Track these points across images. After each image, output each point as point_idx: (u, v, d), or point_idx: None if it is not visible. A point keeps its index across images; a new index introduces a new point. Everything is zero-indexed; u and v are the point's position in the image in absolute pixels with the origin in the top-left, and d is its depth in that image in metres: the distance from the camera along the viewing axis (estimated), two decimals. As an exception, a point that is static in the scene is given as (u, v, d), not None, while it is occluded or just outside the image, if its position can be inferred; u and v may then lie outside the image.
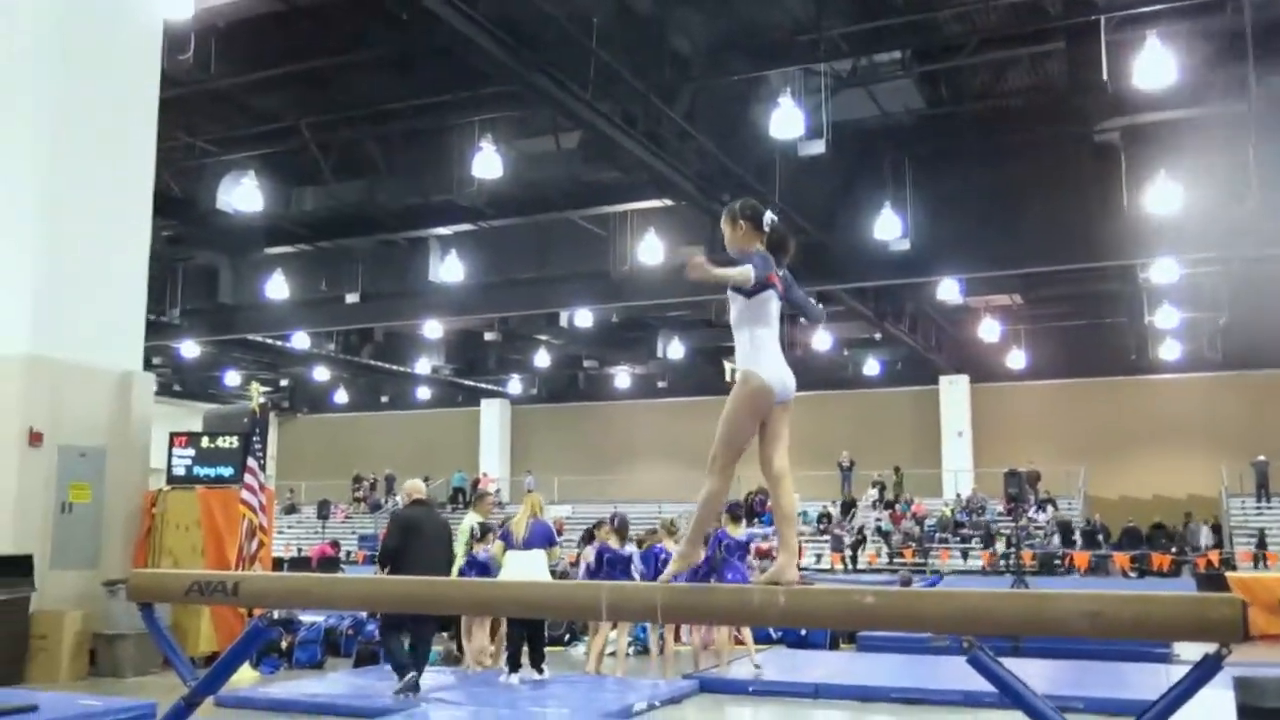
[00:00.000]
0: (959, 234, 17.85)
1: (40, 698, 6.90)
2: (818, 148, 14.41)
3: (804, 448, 33.10)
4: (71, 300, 9.91)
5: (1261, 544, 23.47)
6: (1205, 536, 24.68)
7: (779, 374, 4.50)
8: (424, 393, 35.56)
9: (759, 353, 4.43)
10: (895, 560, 25.38)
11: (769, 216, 4.63)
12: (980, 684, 4.02)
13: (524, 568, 8.98)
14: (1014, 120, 16.45)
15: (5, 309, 9.76)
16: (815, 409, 32.81)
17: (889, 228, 17.02)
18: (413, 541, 8.70)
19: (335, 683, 8.91)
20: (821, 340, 26.98)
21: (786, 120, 13.48)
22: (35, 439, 9.53)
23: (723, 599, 4.48)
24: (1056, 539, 25.05)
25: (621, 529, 10.22)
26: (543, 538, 9.28)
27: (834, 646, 11.55)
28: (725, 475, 4.51)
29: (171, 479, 10.69)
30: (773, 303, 4.55)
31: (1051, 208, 17.52)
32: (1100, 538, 25.25)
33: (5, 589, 8.87)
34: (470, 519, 10.15)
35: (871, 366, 30.63)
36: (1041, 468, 27.03)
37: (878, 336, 27.09)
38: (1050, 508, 26.52)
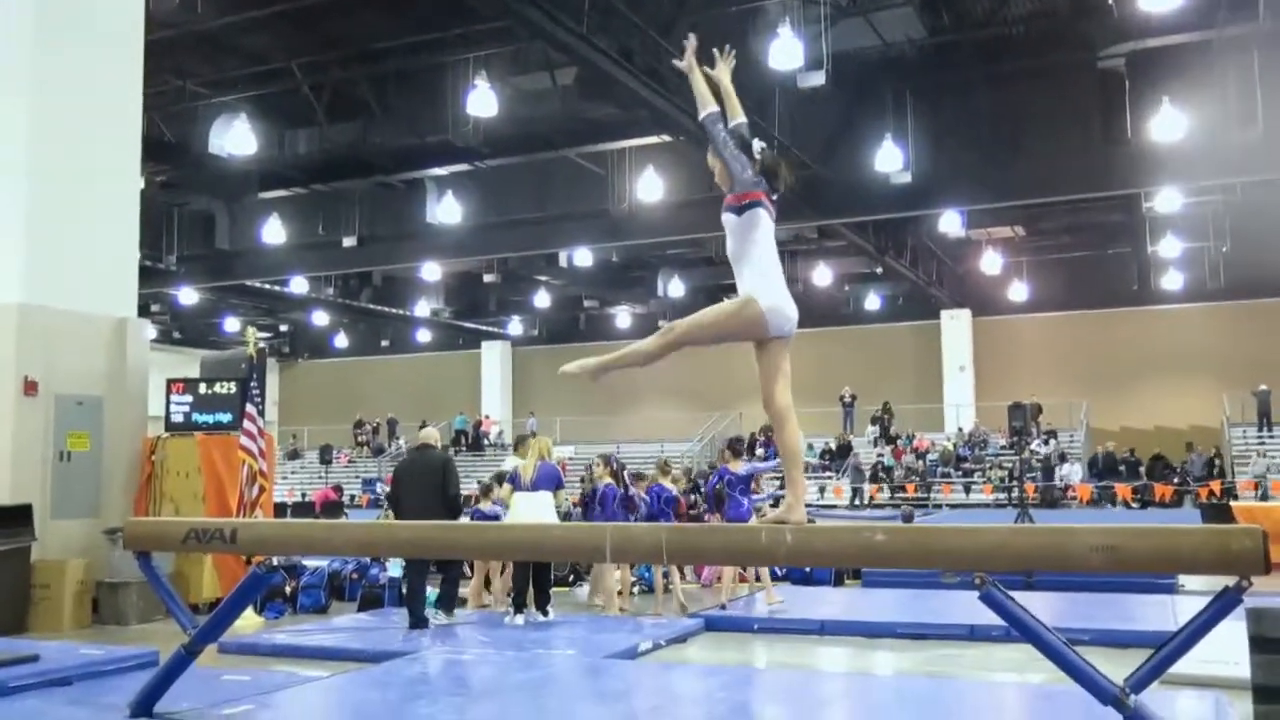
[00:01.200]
0: (960, 165, 17.64)
1: (42, 647, 6.87)
2: (817, 79, 14.16)
3: (805, 384, 33.00)
4: (62, 247, 9.77)
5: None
6: (1199, 467, 24.68)
7: (779, 305, 4.38)
8: (424, 336, 35.43)
9: (763, 279, 4.28)
10: (897, 495, 25.43)
11: (758, 144, 4.46)
12: (986, 618, 3.97)
13: (531, 509, 8.99)
14: (1017, 48, 16.16)
15: (-3, 258, 9.63)
16: (816, 345, 32.72)
17: (890, 160, 16.81)
18: (406, 486, 8.90)
19: (339, 627, 8.90)
20: (822, 275, 26.80)
21: (785, 51, 13.22)
22: (30, 388, 9.44)
23: (729, 539, 4.40)
24: (1075, 470, 25.06)
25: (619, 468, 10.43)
26: (550, 480, 9.32)
27: (839, 583, 11.56)
28: (665, 347, 4.45)
29: (170, 426, 10.62)
30: (764, 221, 4.42)
31: (1054, 137, 17.28)
32: (1122, 469, 25.27)
33: (5, 539, 8.83)
34: (512, 461, 10.37)
35: (872, 301, 30.48)
36: (1043, 400, 26.97)
37: (879, 271, 26.89)
38: (1053, 440, 26.52)
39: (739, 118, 4.56)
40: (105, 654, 6.81)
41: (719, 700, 6.00)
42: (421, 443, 9.38)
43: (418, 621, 8.64)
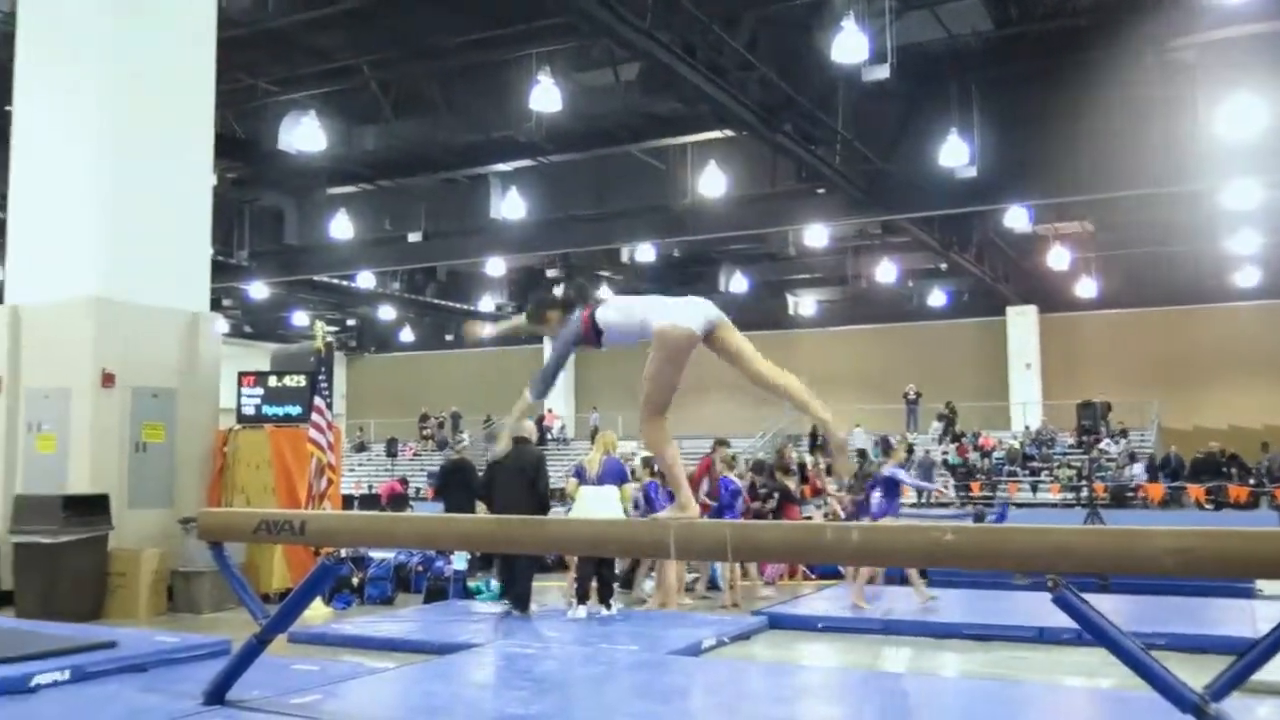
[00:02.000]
0: (1027, 160, 17.34)
1: (119, 634, 7.04)
2: (882, 73, 14.00)
3: (868, 381, 33.06)
4: (138, 243, 10.00)
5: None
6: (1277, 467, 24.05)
7: (676, 315, 4.73)
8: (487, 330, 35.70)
9: (656, 311, 4.72)
10: (961, 493, 25.13)
11: (553, 294, 5.02)
12: (1056, 620, 3.90)
13: (596, 504, 9.04)
14: (1085, 40, 15.83)
15: (75, 253, 9.89)
16: (879, 342, 32.49)
17: (955, 154, 16.58)
18: (500, 479, 9.17)
19: (406, 619, 9.01)
20: (886, 272, 26.54)
21: (849, 45, 13.08)
22: (108, 381, 9.68)
23: (793, 535, 4.38)
24: (1137, 469, 24.56)
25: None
26: (616, 474, 9.37)
27: (904, 581, 11.43)
28: (656, 424, 4.81)
29: (241, 418, 10.82)
30: (605, 316, 4.95)
31: (1123, 131, 16.91)
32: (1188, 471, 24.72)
33: (84, 528, 9.07)
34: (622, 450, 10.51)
35: (937, 298, 30.11)
36: (1112, 399, 26.47)
37: (943, 267, 26.59)
38: (1122, 439, 26.03)
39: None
40: (179, 641, 6.96)
41: (782, 699, 5.98)
42: (519, 435, 9.40)
43: (519, 603, 8.97)
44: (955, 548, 3.67)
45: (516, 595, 9.21)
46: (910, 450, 26.69)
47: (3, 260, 10.96)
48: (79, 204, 9.92)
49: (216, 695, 5.38)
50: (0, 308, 10.30)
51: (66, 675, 5.90)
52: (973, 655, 7.61)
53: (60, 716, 5.28)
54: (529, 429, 9.89)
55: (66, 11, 10.19)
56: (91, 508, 9.23)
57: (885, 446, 10.60)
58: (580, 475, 9.43)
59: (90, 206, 9.86)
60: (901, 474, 10.08)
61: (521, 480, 9.11)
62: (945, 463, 26.52)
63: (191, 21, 10.65)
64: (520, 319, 5.06)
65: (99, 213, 9.83)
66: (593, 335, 4.77)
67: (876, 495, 9.72)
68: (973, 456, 26.84)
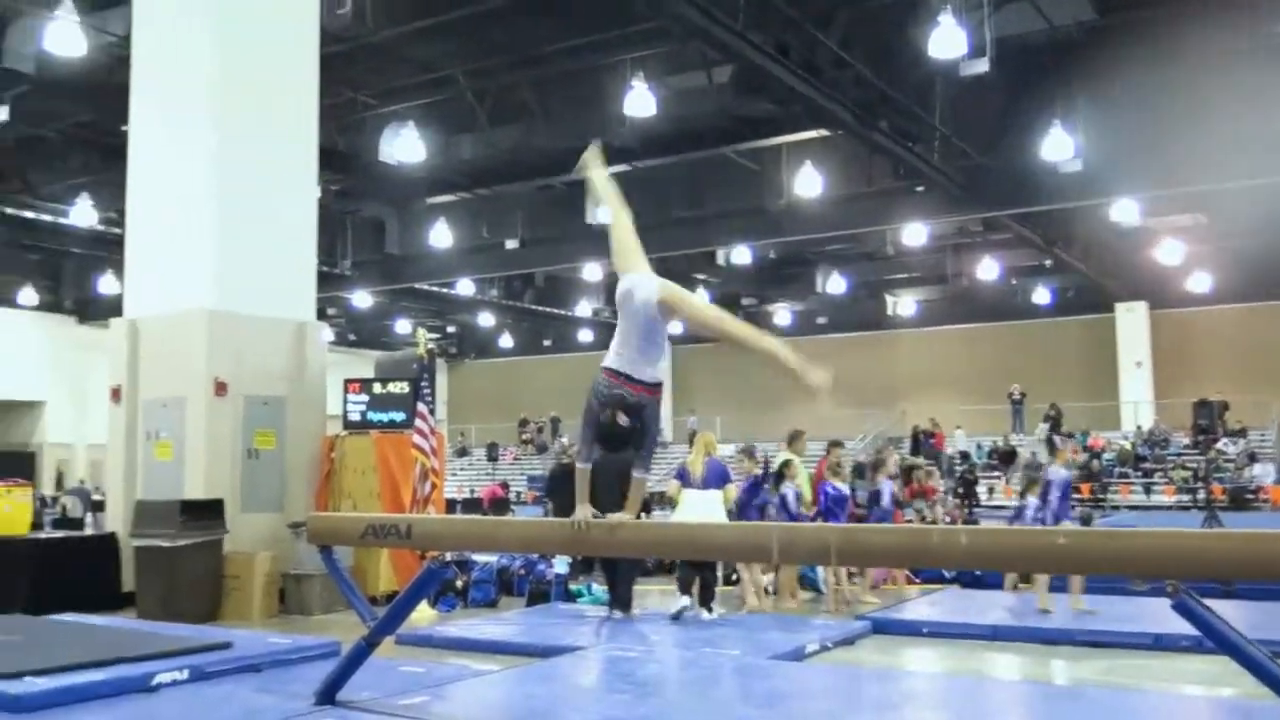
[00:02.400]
0: (1135, 151, 16.84)
1: (234, 635, 7.24)
2: (981, 67, 13.71)
3: (971, 381, 32.48)
4: (247, 256, 10.30)
5: None
6: None
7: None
8: (585, 335, 35.93)
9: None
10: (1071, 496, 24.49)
11: None
12: (1173, 626, 3.76)
13: (700, 507, 9.04)
14: (1194, 26, 15.30)
15: (188, 267, 10.23)
16: (981, 341, 31.86)
17: (1059, 148, 16.17)
18: (600, 481, 9.12)
19: (509, 621, 9.10)
20: (988, 269, 26.01)
21: (947, 39, 12.86)
22: (221, 389, 9.98)
23: (900, 540, 4.31)
24: (1257, 470, 23.66)
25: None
26: (718, 476, 9.35)
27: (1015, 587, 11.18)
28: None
29: (347, 424, 11.06)
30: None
31: (1237, 118, 16.29)
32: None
33: (201, 532, 9.36)
34: (784, 459, 10.47)
35: (1041, 295, 29.40)
36: (1229, 397, 25.55)
37: (1048, 263, 25.96)
38: (1241, 439, 25.10)
39: None
40: (291, 643, 7.13)
41: (888, 705, 5.88)
42: None
43: (621, 605, 9.06)
44: (1068, 552, 3.57)
45: (619, 597, 9.25)
46: (1013, 453, 26.16)
47: (122, 275, 11.37)
48: (192, 220, 10.25)
49: (327, 696, 5.50)
50: (119, 321, 10.70)
51: (185, 675, 6.09)
52: (1086, 662, 7.39)
53: (180, 715, 5.45)
54: None
55: (177, 34, 10.54)
56: (207, 512, 9.53)
57: (1051, 446, 10.29)
58: (683, 478, 9.43)
59: (202, 222, 10.18)
60: (1061, 476, 9.77)
61: (619, 483, 9.13)
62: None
63: (295, 39, 10.94)
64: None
65: (210, 228, 10.14)
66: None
67: (1053, 497, 9.44)
68: (1081, 457, 26.13)
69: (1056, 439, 11.06)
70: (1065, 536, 3.56)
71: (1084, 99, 16.62)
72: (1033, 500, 9.73)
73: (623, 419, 4.49)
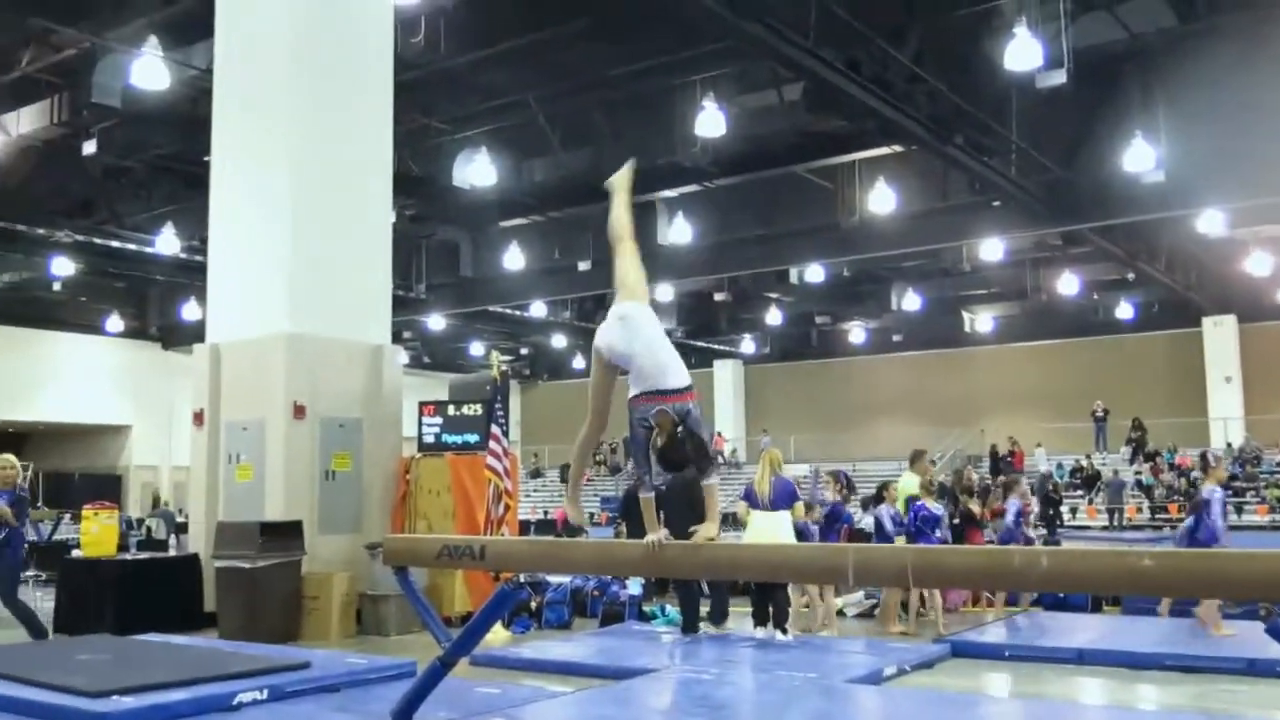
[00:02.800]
0: (1221, 161, 16.39)
1: (313, 655, 7.33)
2: (1058, 78, 13.47)
3: (1052, 398, 31.85)
4: (325, 280, 10.46)
5: None
6: None
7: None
8: (658, 356, 35.95)
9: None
10: (1157, 515, 23.83)
11: None
12: (1269, 651, 3.61)
13: (768, 530, 8.92)
14: (1278, 31, 14.90)
15: (268, 293, 10.42)
16: (1063, 357, 31.24)
17: (1140, 159, 15.82)
18: (668, 502, 9.12)
19: (583, 643, 9.08)
20: (1068, 284, 25.49)
21: (1022, 51, 12.67)
22: (299, 412, 10.14)
23: (980, 561, 4.21)
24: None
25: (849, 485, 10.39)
26: (787, 496, 9.20)
27: (1096, 609, 10.90)
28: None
29: (422, 446, 11.17)
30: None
31: (1328, 125, 15.82)
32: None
33: (280, 552, 9.49)
34: (905, 483, 10.27)
35: (1124, 309, 28.74)
36: (1326, 412, 24.72)
37: (1130, 277, 25.38)
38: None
39: None
40: (368, 663, 7.20)
41: (970, 730, 5.75)
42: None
43: (689, 626, 9.11)
44: (1154, 574, 3.45)
45: (712, 611, 9.44)
46: (1097, 476, 25.52)
47: (205, 301, 11.62)
48: (271, 246, 10.45)
49: (404, 716, 5.52)
50: (201, 346, 10.94)
51: (265, 694, 6.17)
52: (1176, 687, 7.15)
53: (259, 734, 5.51)
54: None
55: (257, 65, 10.79)
56: (286, 534, 9.66)
57: (1204, 464, 9.97)
58: (750, 498, 9.31)
59: (281, 248, 10.38)
60: (1219, 494, 9.44)
61: (683, 501, 9.11)
62: (1139, 484, 25.22)
63: (371, 68, 11.13)
64: None
65: (289, 253, 10.33)
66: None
67: (1213, 515, 9.13)
68: (1167, 476, 25.44)
69: (1210, 455, 10.69)
70: (1151, 558, 3.44)
71: (1166, 108, 16.24)
72: (1192, 519, 9.36)
73: (677, 431, 4.47)
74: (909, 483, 10.35)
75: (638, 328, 4.84)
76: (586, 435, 5.27)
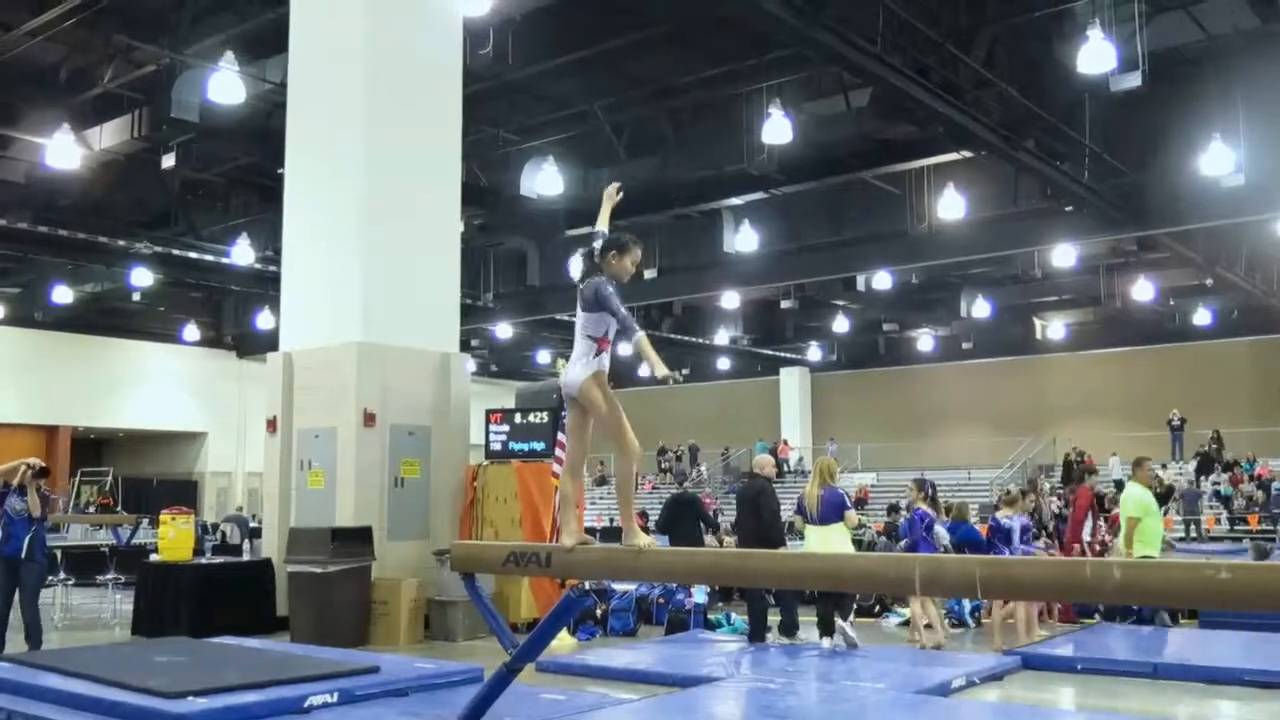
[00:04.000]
0: (1303, 164, 15.95)
1: (382, 659, 7.43)
2: (1133, 81, 13.19)
3: (1127, 406, 31.16)
4: (395, 290, 10.63)
5: None
6: None
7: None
8: (723, 363, 35.87)
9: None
10: (1236, 527, 23.21)
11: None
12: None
13: (818, 543, 8.90)
14: (1366, 30, 14.47)
15: (341, 303, 10.61)
16: (1137, 365, 30.60)
17: (1219, 162, 15.44)
18: (739, 512, 9.70)
19: (648, 650, 9.09)
20: (1143, 290, 24.96)
21: (1096, 54, 12.43)
22: (369, 420, 10.30)
23: (1049, 572, 4.13)
24: None
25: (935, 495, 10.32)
26: (835, 508, 9.07)
27: (1173, 622, 10.64)
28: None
29: (490, 454, 11.27)
30: None
31: None
32: None
33: (350, 558, 9.64)
34: (1132, 491, 9.92)
35: (1202, 316, 28.06)
36: None
37: (1208, 283, 24.75)
38: None
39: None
40: (436, 668, 7.28)
41: (1041, 744, 5.65)
42: (751, 471, 9.62)
43: (756, 635, 9.25)
44: (1231, 587, 3.37)
45: (782, 622, 9.48)
46: (1170, 491, 24.91)
47: (278, 311, 11.86)
48: (343, 256, 10.64)
49: (470, 721, 5.57)
50: (275, 355, 11.16)
51: (335, 698, 6.27)
52: (1254, 704, 6.96)
53: (330, 737, 5.59)
54: (761, 463, 9.87)
55: (330, 80, 11.00)
56: (356, 540, 9.82)
57: None
58: (802, 511, 9.27)
59: (352, 258, 10.56)
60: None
61: (748, 512, 9.20)
62: (1217, 494, 24.58)
63: (440, 80, 11.29)
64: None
65: (360, 263, 10.50)
66: None
67: None
68: (1247, 487, 24.77)
69: None
70: (1229, 570, 3.36)
71: (1245, 110, 15.84)
72: None
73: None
74: (1133, 493, 9.88)
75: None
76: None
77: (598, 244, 5.21)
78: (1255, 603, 3.49)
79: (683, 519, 11.08)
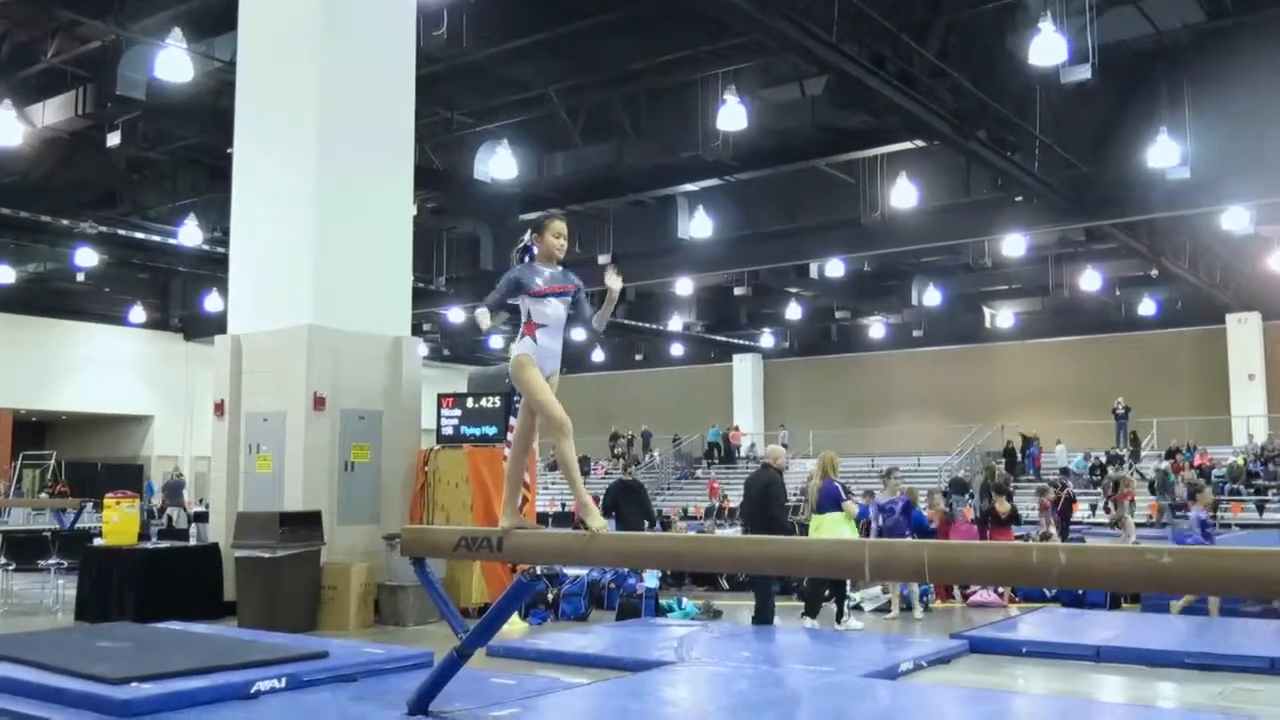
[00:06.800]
0: (1246, 157, 16.28)
1: (331, 644, 7.37)
2: (1083, 74, 13.38)
3: (1073, 395, 31.65)
4: (346, 273, 10.50)
5: None
6: None
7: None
8: (677, 350, 35.96)
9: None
10: (1178, 513, 23.64)
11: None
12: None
13: (818, 531, 9.20)
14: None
15: (290, 285, 10.47)
16: (1084, 354, 31.09)
17: (1165, 155, 15.70)
18: (746, 499, 9.82)
19: (600, 635, 9.10)
20: (1090, 280, 25.33)
21: (1047, 46, 12.57)
22: (319, 404, 10.19)
23: (997, 557, 4.19)
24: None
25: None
26: (830, 501, 9.36)
27: (1114, 606, 10.85)
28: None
29: (441, 438, 11.20)
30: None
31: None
32: None
33: (299, 542, 9.55)
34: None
35: (1147, 306, 28.56)
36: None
37: (1154, 274, 25.20)
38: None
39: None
40: (386, 653, 7.24)
41: (986, 726, 5.73)
42: (762, 460, 9.79)
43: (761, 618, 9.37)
44: (1172, 571, 3.44)
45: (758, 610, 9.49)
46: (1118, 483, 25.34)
47: (226, 293, 11.70)
48: (292, 238, 10.50)
49: (420, 706, 5.55)
50: (223, 338, 11.01)
51: (283, 683, 6.21)
52: (1195, 686, 7.10)
53: (278, 722, 5.55)
54: (772, 453, 9.98)
55: (280, 59, 10.83)
56: (305, 524, 9.72)
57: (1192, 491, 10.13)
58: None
59: (302, 240, 10.42)
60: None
61: (756, 501, 9.41)
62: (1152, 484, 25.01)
63: (393, 61, 11.15)
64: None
65: (310, 245, 10.37)
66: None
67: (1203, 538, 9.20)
68: (1189, 474, 25.22)
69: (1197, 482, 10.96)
70: (1170, 555, 3.43)
71: (1192, 104, 16.13)
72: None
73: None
74: None
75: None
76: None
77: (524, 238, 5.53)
78: (1194, 587, 3.56)
79: (625, 504, 11.27)
